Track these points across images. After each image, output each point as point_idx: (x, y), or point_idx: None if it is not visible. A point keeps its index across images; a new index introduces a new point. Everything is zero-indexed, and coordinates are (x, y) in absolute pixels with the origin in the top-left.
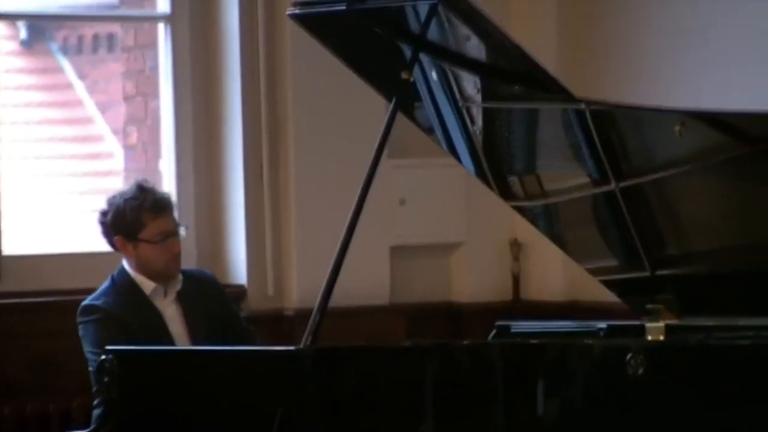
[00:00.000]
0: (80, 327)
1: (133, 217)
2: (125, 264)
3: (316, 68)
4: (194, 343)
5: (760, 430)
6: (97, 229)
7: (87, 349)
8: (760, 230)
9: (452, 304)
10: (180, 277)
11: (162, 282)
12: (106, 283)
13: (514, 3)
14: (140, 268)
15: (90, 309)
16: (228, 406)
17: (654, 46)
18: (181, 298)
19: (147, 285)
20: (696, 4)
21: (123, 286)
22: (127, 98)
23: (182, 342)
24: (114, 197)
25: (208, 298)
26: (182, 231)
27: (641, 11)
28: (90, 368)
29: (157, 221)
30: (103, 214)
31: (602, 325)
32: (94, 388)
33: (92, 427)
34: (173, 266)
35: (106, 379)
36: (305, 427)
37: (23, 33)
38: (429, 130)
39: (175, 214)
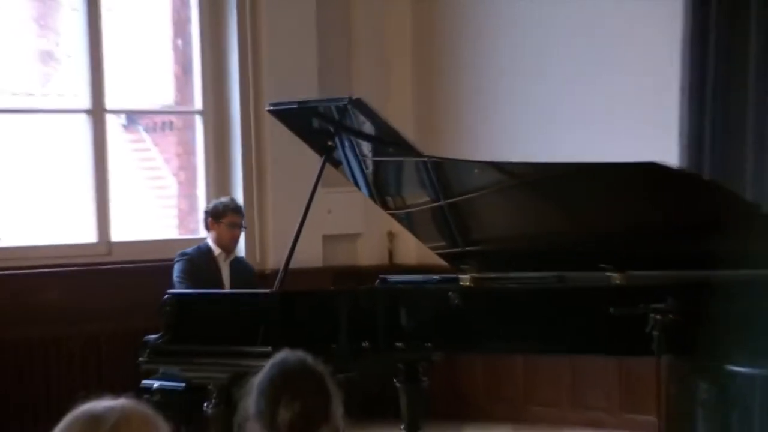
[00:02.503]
0: (175, 263)
1: (222, 209)
2: (208, 239)
3: (282, 138)
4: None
5: (533, 336)
6: (199, 218)
7: (174, 276)
8: (527, 226)
9: (357, 266)
10: (234, 254)
11: (224, 251)
12: (196, 246)
13: (376, 79)
14: (215, 239)
15: (183, 254)
16: (235, 324)
17: (494, 109)
18: (231, 265)
19: (216, 250)
20: (536, 74)
21: (204, 248)
22: (179, 155)
23: (225, 287)
24: (217, 199)
25: (244, 274)
26: (243, 230)
27: (486, 83)
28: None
29: (232, 216)
30: (208, 207)
31: (436, 277)
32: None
33: (158, 336)
34: (232, 244)
35: (167, 308)
36: (277, 337)
37: (123, 120)
38: (342, 171)
39: (243, 220)
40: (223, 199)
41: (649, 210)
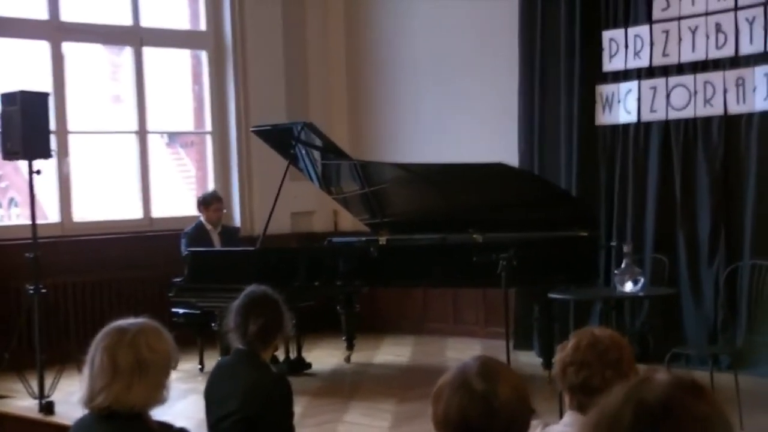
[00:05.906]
0: (182, 237)
1: (209, 198)
2: (201, 218)
3: (262, 149)
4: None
5: (426, 275)
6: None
7: (183, 248)
8: (421, 205)
9: (314, 232)
10: (220, 226)
11: (213, 225)
12: (194, 223)
13: (312, 100)
14: (206, 219)
15: (185, 233)
16: (232, 270)
17: (415, 119)
18: (221, 233)
19: (208, 226)
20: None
21: (199, 225)
22: (197, 161)
23: (217, 248)
24: (205, 191)
25: (231, 238)
26: (224, 210)
27: (393, 105)
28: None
29: (218, 204)
30: (198, 198)
31: (363, 238)
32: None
33: (181, 279)
34: (217, 221)
35: (187, 260)
36: (258, 278)
37: (166, 138)
38: (301, 170)
39: (222, 204)
40: (210, 191)
41: (497, 193)
